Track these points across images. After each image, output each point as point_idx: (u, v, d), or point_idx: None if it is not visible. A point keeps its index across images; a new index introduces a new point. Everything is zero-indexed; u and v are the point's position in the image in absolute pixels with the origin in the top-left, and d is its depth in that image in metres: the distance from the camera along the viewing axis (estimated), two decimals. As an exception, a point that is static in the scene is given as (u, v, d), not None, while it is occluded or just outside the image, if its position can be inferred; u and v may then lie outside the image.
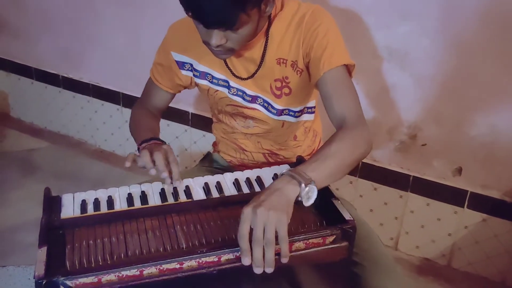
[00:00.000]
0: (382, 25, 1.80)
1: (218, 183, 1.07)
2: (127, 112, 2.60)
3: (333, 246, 0.90)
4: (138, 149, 1.17)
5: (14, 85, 3.03)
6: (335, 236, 0.90)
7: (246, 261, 0.82)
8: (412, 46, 1.77)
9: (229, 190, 1.05)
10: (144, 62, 2.45)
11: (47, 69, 2.83)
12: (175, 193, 1.03)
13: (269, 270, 0.82)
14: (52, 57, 2.79)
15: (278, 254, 0.83)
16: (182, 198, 1.02)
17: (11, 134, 2.97)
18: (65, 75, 2.77)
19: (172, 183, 1.04)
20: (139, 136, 1.22)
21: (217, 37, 1.00)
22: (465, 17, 1.65)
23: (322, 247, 0.90)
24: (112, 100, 2.65)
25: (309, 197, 0.91)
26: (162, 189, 1.04)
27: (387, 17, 1.78)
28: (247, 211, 0.84)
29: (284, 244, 0.83)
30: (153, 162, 1.06)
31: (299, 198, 0.90)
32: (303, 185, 0.89)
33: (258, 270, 0.82)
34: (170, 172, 1.05)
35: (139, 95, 2.61)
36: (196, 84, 1.29)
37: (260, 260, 0.81)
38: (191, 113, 2.38)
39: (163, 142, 1.17)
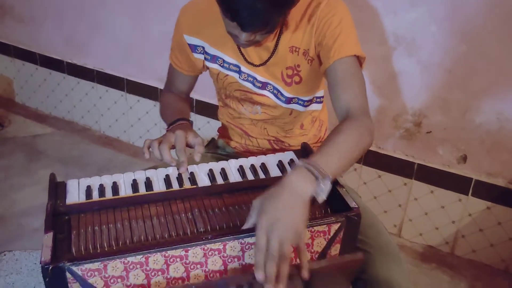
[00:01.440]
0: (389, 11, 1.78)
1: (223, 169, 1.07)
2: (132, 98, 2.60)
3: (348, 260, 0.89)
4: (166, 131, 1.17)
5: (19, 70, 3.03)
6: (340, 223, 0.90)
7: (260, 276, 0.79)
8: (419, 32, 1.76)
9: (234, 177, 1.05)
10: (149, 48, 2.45)
11: (51, 55, 2.83)
12: (180, 180, 1.03)
13: (281, 286, 0.79)
14: (56, 43, 2.78)
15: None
16: (187, 184, 1.02)
17: (16, 120, 2.97)
18: (70, 61, 2.77)
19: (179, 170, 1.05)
20: (167, 119, 1.23)
21: (248, 35, 1.00)
22: (473, 4, 1.63)
23: (336, 262, 0.89)
24: (116, 86, 2.65)
25: (323, 192, 0.89)
26: (167, 175, 1.04)
27: (394, 3, 1.76)
28: (264, 223, 0.80)
29: (304, 258, 0.81)
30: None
31: (314, 195, 0.88)
32: (320, 181, 0.87)
33: (269, 287, 0.79)
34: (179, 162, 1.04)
35: (143, 82, 2.62)
36: (207, 68, 1.28)
37: (273, 277, 0.78)
38: (196, 100, 2.37)
39: (189, 122, 1.18)
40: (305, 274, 0.82)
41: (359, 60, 1.13)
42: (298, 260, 0.84)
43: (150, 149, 1.06)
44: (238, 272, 0.88)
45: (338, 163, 0.93)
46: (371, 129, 1.03)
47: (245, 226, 0.86)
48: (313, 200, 0.88)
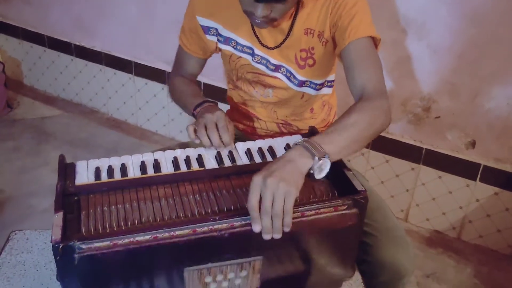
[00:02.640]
0: (399, -6, 1.76)
1: (230, 152, 1.07)
2: (139, 81, 2.60)
3: (343, 212, 0.90)
4: (193, 114, 1.19)
5: (27, 52, 3.03)
6: (346, 206, 0.91)
7: (256, 228, 0.83)
8: (429, 15, 1.74)
9: (241, 160, 1.06)
10: (157, 31, 2.44)
11: (59, 37, 2.82)
12: (188, 162, 1.04)
13: (277, 236, 0.84)
14: (64, 25, 2.78)
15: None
16: (195, 166, 1.03)
17: (24, 102, 2.99)
18: (78, 43, 2.76)
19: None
20: (188, 103, 1.23)
21: (264, 9, 1.00)
22: (485, -14, 1.61)
23: (332, 213, 0.90)
24: (124, 69, 2.65)
25: (322, 170, 0.91)
26: (175, 158, 1.05)
27: (404, -14, 1.74)
28: (257, 179, 0.84)
29: (287, 217, 0.83)
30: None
31: (311, 171, 0.90)
32: (316, 158, 0.88)
33: (266, 236, 0.84)
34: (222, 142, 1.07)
35: (151, 65, 2.62)
36: (219, 49, 1.28)
37: (268, 228, 0.83)
38: (204, 83, 2.37)
39: (215, 103, 1.19)
40: (286, 229, 0.84)
41: (375, 41, 1.11)
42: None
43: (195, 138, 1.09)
44: (245, 253, 0.89)
45: (341, 143, 0.92)
46: (387, 110, 1.02)
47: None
48: (309, 175, 0.90)
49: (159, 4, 2.36)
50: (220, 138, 1.07)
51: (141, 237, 0.82)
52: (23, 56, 3.07)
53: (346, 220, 0.91)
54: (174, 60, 1.38)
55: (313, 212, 0.89)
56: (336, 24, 1.11)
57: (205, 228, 0.84)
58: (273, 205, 0.82)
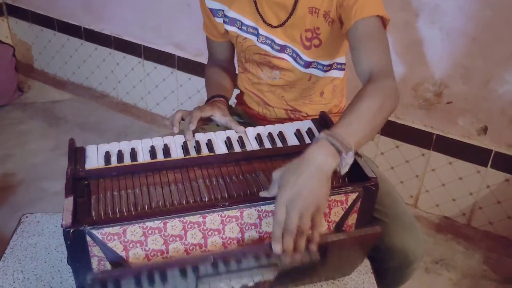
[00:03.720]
0: (412, -24, 1.73)
1: (240, 137, 1.07)
2: (149, 65, 2.60)
3: (366, 233, 0.87)
4: None
5: (37, 36, 3.03)
6: (357, 193, 0.90)
7: (277, 249, 0.79)
8: (443, -2, 1.71)
9: (251, 145, 1.05)
10: (166, 15, 2.43)
11: (69, 21, 2.82)
12: (198, 147, 1.03)
13: (297, 256, 0.80)
14: (74, 9, 2.77)
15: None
16: (205, 151, 1.03)
17: (35, 85, 3.00)
18: (87, 27, 2.76)
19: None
20: (207, 95, 1.28)
21: None
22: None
23: (354, 235, 0.89)
24: (133, 53, 2.64)
25: (346, 164, 0.86)
26: (185, 142, 1.05)
27: (417, -32, 1.71)
28: (286, 196, 0.79)
29: (316, 232, 0.80)
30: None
31: (338, 169, 0.86)
32: (343, 154, 0.84)
33: (285, 260, 0.80)
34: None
35: (161, 48, 2.61)
36: (226, 31, 1.27)
37: (290, 250, 0.78)
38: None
39: (225, 99, 1.25)
40: (313, 247, 0.81)
41: (383, 21, 1.09)
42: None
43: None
44: (255, 239, 0.89)
45: (362, 132, 0.89)
46: (395, 91, 0.99)
47: (265, 195, 0.86)
48: (334, 172, 0.85)
49: (169, -13, 2.34)
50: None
51: (150, 223, 0.82)
52: (33, 40, 3.07)
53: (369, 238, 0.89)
54: (207, 49, 1.40)
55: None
56: (342, 4, 1.08)
57: (215, 215, 0.84)
58: (301, 222, 0.78)
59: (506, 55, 1.68)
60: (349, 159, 0.85)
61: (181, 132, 1.09)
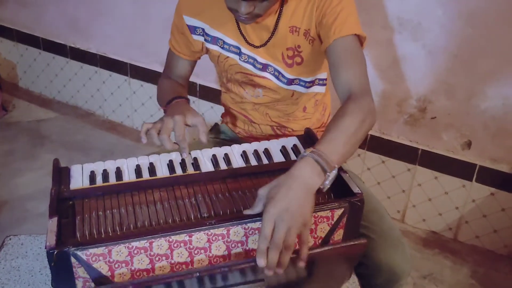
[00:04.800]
0: (394, -5, 1.76)
1: (226, 155, 1.07)
2: (135, 83, 2.60)
3: (351, 244, 0.89)
4: (164, 111, 1.17)
5: (22, 55, 3.02)
6: (343, 209, 0.90)
7: (261, 263, 0.79)
8: (424, 16, 1.74)
9: (237, 162, 1.05)
10: (152, 32, 2.44)
11: (54, 39, 2.82)
12: (183, 165, 1.03)
13: (279, 271, 0.80)
14: (59, 27, 2.77)
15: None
16: (190, 170, 1.02)
17: (20, 105, 2.98)
18: (73, 45, 2.76)
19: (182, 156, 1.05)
20: (162, 103, 1.22)
21: (247, 6, 1.00)
22: (480, -13, 1.61)
23: (338, 245, 0.89)
24: (119, 71, 2.64)
25: (329, 182, 0.88)
26: (170, 161, 1.04)
27: (399, -13, 1.74)
28: (273, 212, 0.80)
29: (304, 249, 0.81)
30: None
31: (321, 186, 0.87)
32: (328, 173, 0.86)
33: (269, 272, 0.80)
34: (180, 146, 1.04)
35: (147, 66, 2.61)
36: (207, 50, 1.27)
37: (274, 264, 0.79)
38: (199, 85, 2.37)
39: (185, 99, 1.17)
40: (301, 264, 0.82)
41: (360, 39, 1.11)
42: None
43: (148, 134, 1.05)
44: (242, 257, 0.88)
45: (343, 149, 0.91)
46: (373, 109, 1.02)
47: (249, 212, 0.86)
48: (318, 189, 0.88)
49: (155, 6, 2.35)
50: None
51: (136, 243, 0.81)
52: (18, 59, 3.06)
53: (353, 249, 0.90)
54: (165, 62, 1.38)
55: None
56: (321, 22, 1.11)
57: (202, 233, 0.84)
58: (286, 237, 0.79)
59: (487, 71, 1.71)
60: (332, 177, 0.88)
61: (167, 150, 1.08)
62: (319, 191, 0.88)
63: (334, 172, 0.87)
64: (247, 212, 0.86)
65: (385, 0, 1.78)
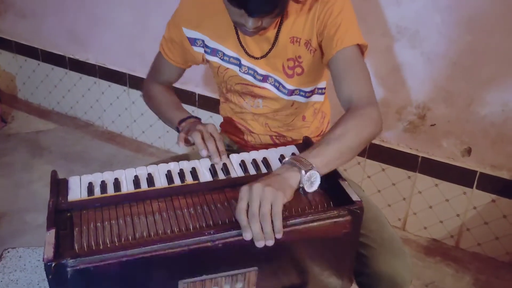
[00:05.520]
0: (392, 1, 1.76)
1: (225, 164, 1.06)
2: (134, 93, 2.60)
3: (336, 220, 0.90)
4: (177, 128, 1.21)
5: (21, 66, 3.02)
6: (342, 217, 0.90)
7: (247, 236, 0.83)
8: (423, 23, 1.74)
9: (236, 172, 1.05)
10: (151, 43, 2.43)
11: (53, 51, 2.82)
12: (182, 175, 1.03)
13: (270, 242, 0.83)
14: (58, 38, 2.78)
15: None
16: (189, 180, 1.02)
17: (19, 116, 2.98)
18: (72, 56, 2.76)
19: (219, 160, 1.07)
20: (172, 115, 1.25)
21: (255, 21, 1.00)
22: (477, -6, 1.62)
23: (324, 221, 0.89)
24: (119, 81, 2.64)
25: (312, 183, 0.91)
26: (169, 171, 1.04)
27: (397, -5, 1.75)
28: (244, 188, 0.86)
29: (277, 220, 0.83)
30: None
31: (301, 185, 0.91)
32: (303, 171, 0.90)
33: (259, 244, 0.83)
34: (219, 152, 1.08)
35: (146, 76, 2.60)
36: (207, 61, 1.27)
37: (258, 233, 0.83)
38: (198, 94, 2.37)
39: (199, 119, 1.21)
40: (278, 235, 0.84)
41: (361, 48, 1.11)
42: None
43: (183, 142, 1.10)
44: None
45: (331, 154, 0.94)
46: (376, 118, 1.02)
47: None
48: (315, 191, 0.92)
49: (153, 16, 2.36)
50: (217, 147, 1.07)
51: (135, 254, 0.80)
52: (17, 70, 3.06)
53: (341, 228, 0.90)
54: (151, 65, 1.37)
55: (308, 223, 0.88)
56: (322, 33, 1.11)
57: (199, 241, 0.83)
58: (260, 208, 0.83)
59: (486, 78, 1.71)
60: (313, 178, 0.91)
61: (166, 160, 1.08)
62: (302, 191, 0.92)
63: (313, 171, 0.90)
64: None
65: (384, 7, 1.79)
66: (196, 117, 1.22)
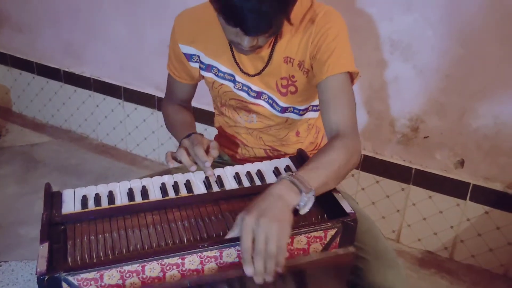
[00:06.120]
0: (385, 16, 1.78)
1: (219, 177, 1.06)
2: (129, 106, 2.61)
3: (339, 253, 0.90)
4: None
5: (16, 80, 3.03)
6: (336, 229, 0.90)
7: (248, 272, 0.81)
8: (415, 37, 1.76)
9: (230, 184, 1.05)
10: (146, 56, 2.46)
11: (48, 64, 2.83)
12: (176, 188, 1.03)
13: (269, 278, 0.82)
14: (53, 52, 2.79)
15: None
16: (183, 192, 1.02)
17: (13, 129, 2.97)
18: (67, 70, 2.77)
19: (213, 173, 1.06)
20: (177, 134, 1.24)
21: (250, 40, 1.00)
22: (468, 7, 1.64)
23: (327, 255, 0.89)
24: (113, 94, 2.65)
25: (306, 205, 0.91)
26: (163, 184, 1.04)
27: (390, 9, 1.77)
28: (250, 220, 0.82)
29: (281, 256, 0.82)
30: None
31: (297, 206, 0.90)
32: (303, 193, 0.89)
33: (258, 280, 0.82)
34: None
35: (140, 90, 2.62)
36: (202, 76, 1.28)
37: (261, 272, 0.81)
38: (193, 107, 2.37)
39: (201, 135, 1.19)
40: (279, 270, 0.82)
41: (352, 75, 1.13)
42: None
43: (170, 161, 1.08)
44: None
45: (323, 179, 0.94)
46: (359, 149, 1.05)
47: (229, 236, 0.86)
48: (295, 210, 0.90)
49: (148, 30, 2.38)
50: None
51: (128, 266, 0.80)
52: (12, 83, 3.07)
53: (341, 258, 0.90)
54: (166, 87, 1.39)
55: (303, 236, 0.89)
56: (315, 56, 1.12)
57: (194, 256, 0.83)
58: (267, 246, 0.81)
59: (478, 91, 1.73)
60: (309, 200, 0.90)
61: (159, 173, 1.08)
62: (296, 213, 0.90)
63: (311, 195, 0.89)
64: (228, 235, 0.86)
65: (377, 21, 1.81)
66: (199, 134, 1.21)
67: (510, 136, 1.74)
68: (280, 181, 0.91)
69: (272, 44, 1.15)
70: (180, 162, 1.08)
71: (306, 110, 1.25)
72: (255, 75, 1.19)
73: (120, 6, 2.42)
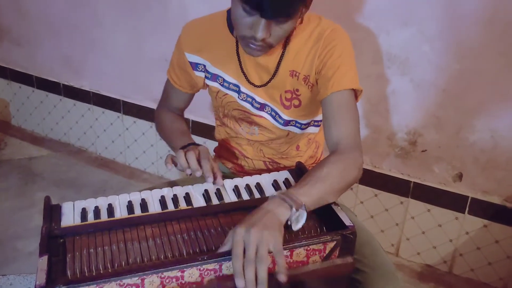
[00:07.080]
0: (382, 31, 1.80)
1: (218, 190, 1.07)
2: (128, 119, 2.61)
3: (337, 263, 0.90)
4: None
5: (15, 93, 3.04)
6: (335, 242, 0.90)
7: (240, 284, 0.80)
8: (412, 51, 1.78)
9: (229, 197, 1.05)
10: (145, 70, 2.47)
11: (48, 77, 2.84)
12: (175, 200, 1.03)
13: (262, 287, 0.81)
14: (53, 65, 2.80)
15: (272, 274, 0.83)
16: (182, 205, 1.02)
17: (12, 142, 2.97)
18: (66, 83, 2.78)
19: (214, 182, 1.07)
20: (175, 142, 1.25)
21: (264, 30, 0.99)
22: (466, 22, 1.66)
23: (325, 265, 0.89)
24: (112, 107, 2.66)
25: (298, 221, 0.91)
26: (162, 197, 1.05)
27: (387, 23, 1.79)
28: (240, 230, 0.83)
29: (280, 258, 0.82)
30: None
31: (289, 222, 0.90)
32: (294, 209, 0.89)
33: None
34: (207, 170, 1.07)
35: (139, 103, 2.63)
36: (207, 85, 1.29)
37: (252, 281, 0.80)
38: (192, 120, 2.38)
39: (207, 149, 1.19)
40: (282, 277, 0.82)
41: (356, 92, 1.14)
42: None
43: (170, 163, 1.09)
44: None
45: (316, 194, 0.94)
46: (361, 164, 1.05)
47: (222, 250, 0.86)
48: (287, 226, 0.90)
49: (147, 43, 2.39)
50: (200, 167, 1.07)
51: (127, 279, 0.80)
52: (11, 97, 3.07)
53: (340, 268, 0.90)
54: (162, 93, 1.39)
55: (302, 249, 0.89)
56: (320, 72, 1.13)
57: (194, 269, 0.83)
58: (257, 252, 0.81)
59: (475, 105, 1.74)
60: (301, 215, 0.90)
61: (159, 186, 1.08)
62: (287, 228, 0.90)
63: (302, 210, 0.90)
64: (221, 249, 0.86)
65: (375, 36, 1.83)
66: (198, 144, 1.22)
67: (507, 150, 1.75)
68: (271, 199, 0.92)
69: (279, 57, 1.16)
70: (176, 166, 1.09)
71: (308, 124, 1.26)
72: (260, 86, 1.20)
73: (119, 20, 2.44)
